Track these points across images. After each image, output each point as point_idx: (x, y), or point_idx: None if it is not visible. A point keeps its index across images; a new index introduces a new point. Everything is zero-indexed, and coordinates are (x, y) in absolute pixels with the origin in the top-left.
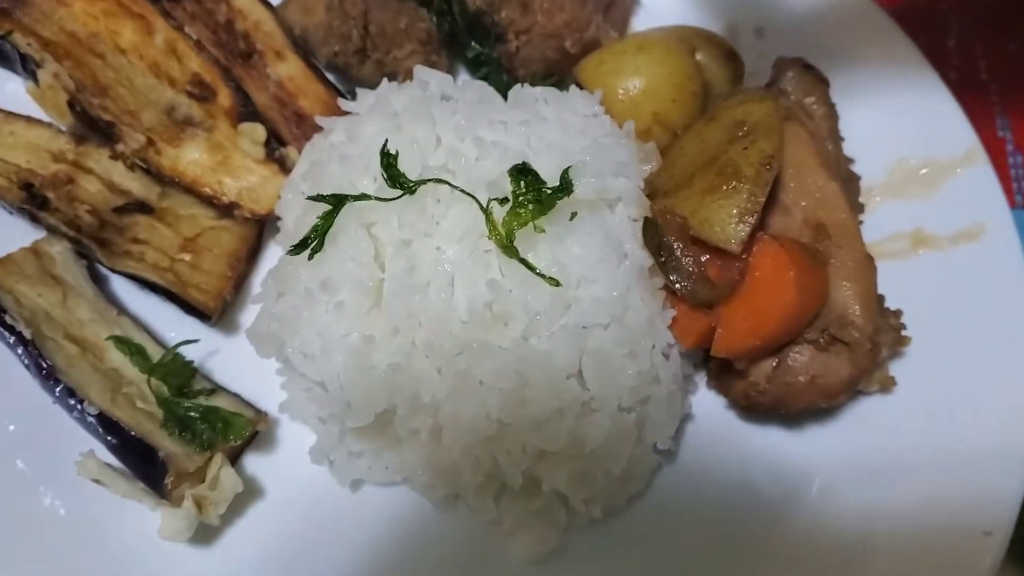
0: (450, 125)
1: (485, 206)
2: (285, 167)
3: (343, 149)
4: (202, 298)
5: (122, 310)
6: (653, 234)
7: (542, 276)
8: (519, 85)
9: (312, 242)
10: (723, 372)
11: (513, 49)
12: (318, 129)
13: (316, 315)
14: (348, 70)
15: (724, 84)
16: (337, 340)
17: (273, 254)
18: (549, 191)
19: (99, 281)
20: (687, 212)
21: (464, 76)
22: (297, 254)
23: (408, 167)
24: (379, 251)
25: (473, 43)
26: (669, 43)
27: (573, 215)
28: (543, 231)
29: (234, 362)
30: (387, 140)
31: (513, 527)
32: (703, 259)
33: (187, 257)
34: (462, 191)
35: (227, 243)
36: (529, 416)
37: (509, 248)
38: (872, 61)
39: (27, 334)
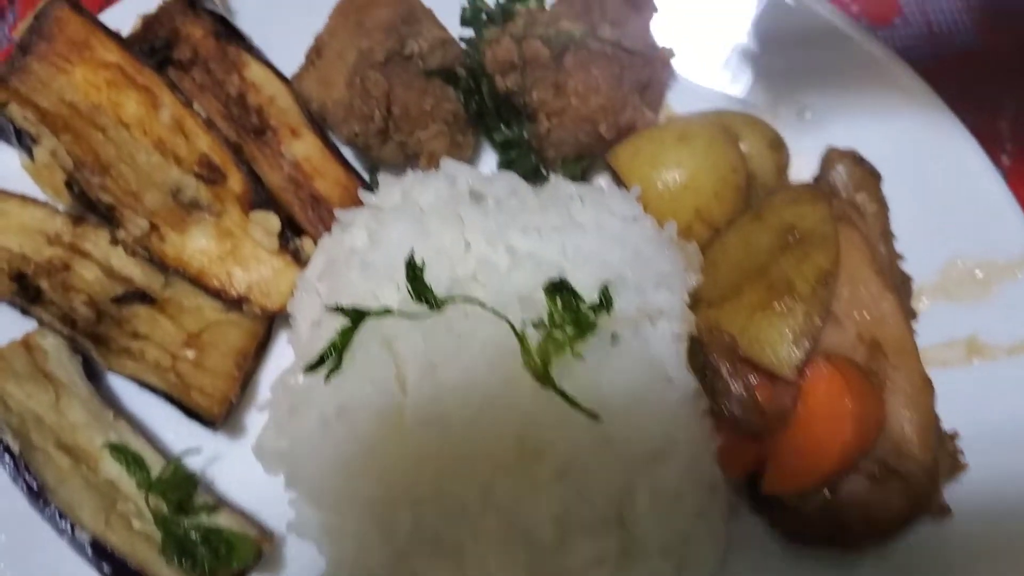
0: (480, 230)
1: (519, 330)
2: (300, 260)
3: (364, 255)
4: (206, 403)
5: (119, 411)
6: (698, 354)
7: (581, 409)
8: (552, 178)
9: (329, 361)
10: (767, 499)
11: (544, 131)
12: (334, 214)
13: (330, 445)
14: (368, 151)
15: (769, 175)
16: (354, 475)
17: (283, 348)
18: (587, 308)
19: (95, 377)
20: (735, 329)
21: (490, 154)
22: (314, 372)
23: (435, 277)
24: (401, 369)
25: (503, 127)
26: (712, 132)
27: (614, 338)
28: (580, 357)
29: (238, 470)
30: (412, 249)
31: None
32: (751, 380)
33: (191, 354)
34: (495, 312)
35: (234, 339)
36: (562, 563)
37: (545, 379)
38: (921, 147)
39: (15, 447)
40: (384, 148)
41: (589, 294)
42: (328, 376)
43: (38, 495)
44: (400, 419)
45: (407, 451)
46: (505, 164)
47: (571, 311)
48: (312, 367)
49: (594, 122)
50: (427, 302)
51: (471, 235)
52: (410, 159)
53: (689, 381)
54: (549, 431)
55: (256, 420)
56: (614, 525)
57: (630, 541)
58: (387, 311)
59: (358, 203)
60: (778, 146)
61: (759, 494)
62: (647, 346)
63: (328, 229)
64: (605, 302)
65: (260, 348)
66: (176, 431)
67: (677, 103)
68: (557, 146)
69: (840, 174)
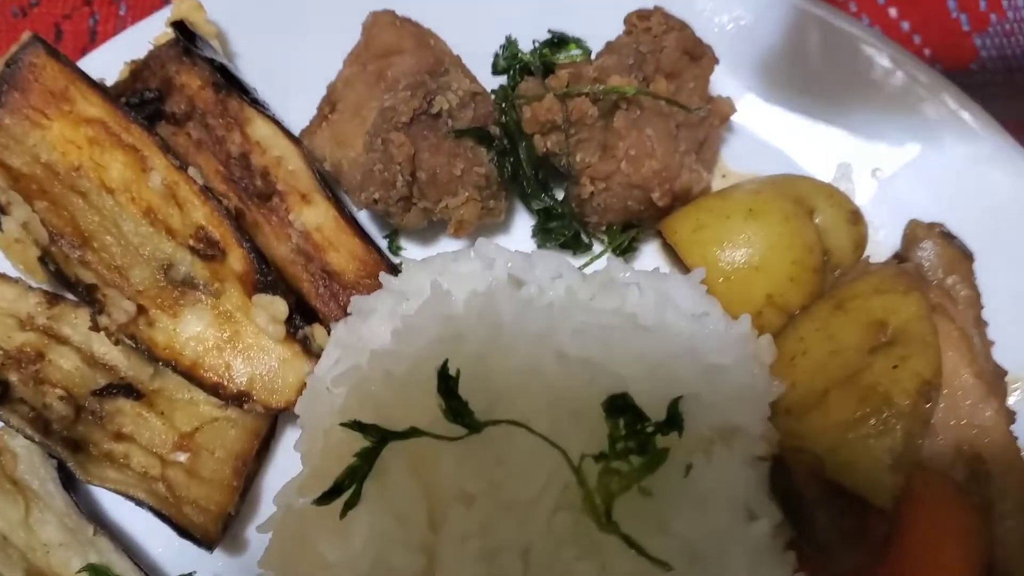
0: (525, 331)
1: (576, 463)
2: (310, 350)
3: (388, 363)
4: (200, 520)
5: (100, 525)
6: (780, 478)
7: (650, 558)
8: (606, 258)
9: (346, 492)
10: None
11: (587, 195)
12: (351, 293)
13: None
14: (388, 217)
15: (846, 252)
16: None
17: (289, 444)
18: (653, 429)
19: (72, 482)
20: (821, 447)
21: (524, 219)
22: (327, 503)
23: (470, 389)
24: (432, 502)
25: (544, 195)
26: (785, 206)
27: (688, 469)
28: (649, 495)
29: None
30: (446, 361)
31: None
32: (840, 509)
33: (183, 458)
34: (548, 441)
35: (233, 441)
36: None
37: (607, 526)
38: (1007, 216)
39: None
40: (407, 216)
41: (654, 411)
42: (344, 511)
43: None
44: (429, 570)
45: None
46: (542, 232)
47: (637, 435)
48: (325, 497)
49: (646, 189)
50: (463, 422)
51: (514, 338)
52: (436, 224)
53: (773, 512)
54: None
55: (257, 534)
56: None
57: None
58: (415, 431)
59: (376, 281)
60: (856, 220)
61: None
62: (726, 475)
63: (342, 308)
64: (675, 423)
65: (262, 448)
66: (167, 545)
67: (732, 160)
68: (602, 213)
69: (927, 253)
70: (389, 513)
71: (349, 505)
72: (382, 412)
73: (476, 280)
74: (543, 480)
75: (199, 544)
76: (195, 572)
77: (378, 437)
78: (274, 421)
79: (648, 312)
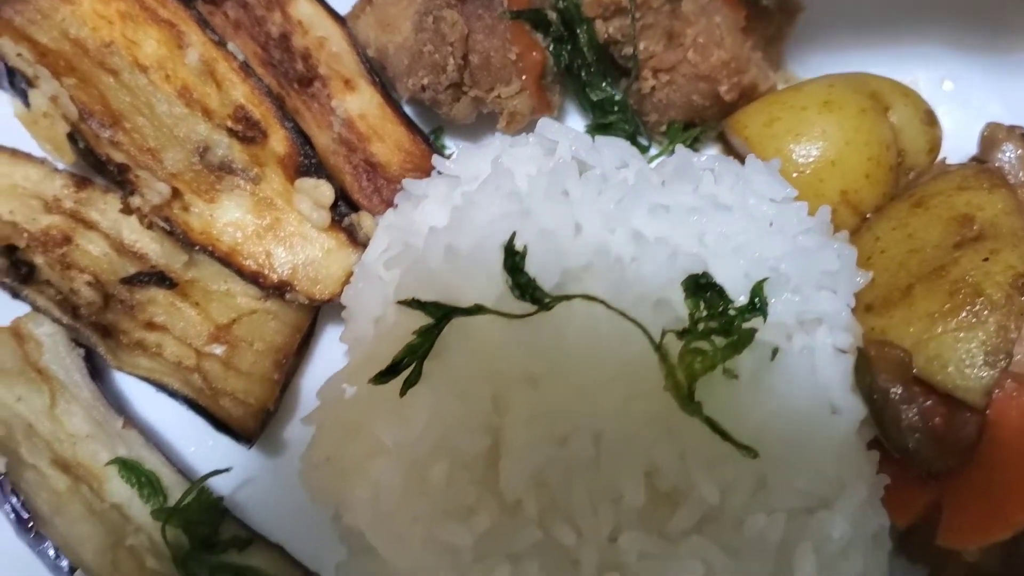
0: (595, 210)
1: (658, 340)
2: (356, 240)
3: (449, 238)
4: (239, 414)
5: (129, 419)
6: (866, 373)
7: (735, 444)
8: (675, 149)
9: (404, 370)
10: (934, 551)
11: (648, 89)
12: (395, 187)
13: (401, 482)
14: (436, 107)
15: (921, 155)
16: (431, 521)
17: (329, 345)
18: (736, 312)
19: (99, 375)
20: (908, 343)
21: (575, 118)
22: (384, 383)
23: (540, 267)
24: (495, 384)
25: (604, 84)
26: (862, 100)
27: (774, 352)
28: (734, 377)
29: (275, 495)
30: (514, 234)
31: None
32: (928, 407)
33: (219, 351)
34: (624, 316)
35: (273, 334)
36: None
37: (689, 406)
38: None
39: (1, 465)
40: (456, 106)
41: (736, 294)
42: (404, 388)
43: (28, 527)
44: (494, 452)
45: (505, 492)
46: (598, 128)
47: (719, 316)
48: (382, 376)
49: (713, 81)
50: (531, 299)
51: (583, 215)
52: (484, 120)
53: (857, 407)
54: (688, 471)
55: (295, 433)
56: None
57: None
58: (479, 308)
59: (423, 174)
60: (931, 121)
61: (921, 542)
62: (812, 363)
63: (385, 202)
64: (759, 305)
65: (302, 344)
66: (200, 443)
67: (797, 66)
68: (662, 109)
69: (1008, 155)
70: (451, 393)
71: (409, 383)
72: (442, 291)
73: (537, 164)
74: (617, 362)
75: (237, 439)
76: (231, 468)
77: (440, 314)
78: (315, 316)
79: (730, 195)
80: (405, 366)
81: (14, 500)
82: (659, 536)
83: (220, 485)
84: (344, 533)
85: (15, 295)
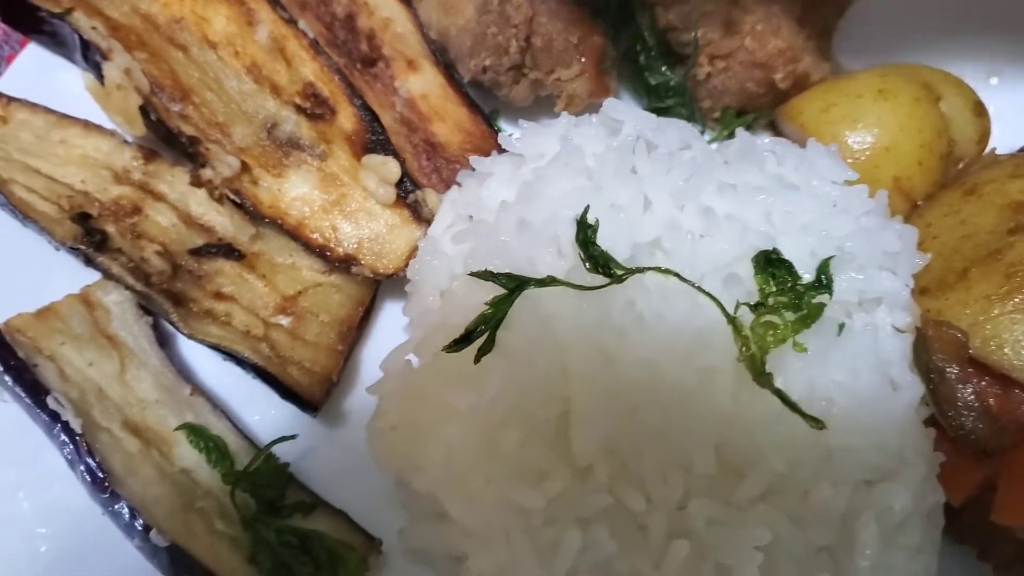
0: (664, 186)
1: (732, 308)
2: (420, 216)
3: (521, 213)
4: (306, 382)
5: (196, 387)
6: (923, 353)
7: (804, 415)
8: (736, 132)
9: (477, 338)
10: (978, 523)
11: (704, 76)
12: (454, 167)
13: (474, 446)
14: (495, 88)
15: (970, 144)
16: (504, 483)
17: (391, 319)
18: (804, 288)
19: (166, 343)
20: (965, 325)
21: (629, 104)
22: (458, 351)
23: (610, 243)
24: (565, 356)
25: (664, 68)
26: (914, 89)
27: (841, 327)
28: (804, 351)
29: (337, 464)
30: (587, 208)
31: None
32: (983, 387)
33: (285, 322)
34: (700, 289)
35: (337, 306)
36: None
37: (762, 376)
38: None
39: (76, 426)
40: (515, 88)
41: (802, 272)
42: (479, 356)
43: (104, 485)
44: (565, 419)
45: (576, 458)
46: (654, 112)
47: (789, 291)
48: (456, 345)
49: (769, 69)
50: (604, 271)
51: (652, 192)
52: (539, 103)
53: (916, 385)
54: (756, 441)
55: (357, 405)
56: (826, 557)
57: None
58: (552, 280)
59: (485, 153)
60: (981, 112)
61: (970, 522)
62: (876, 340)
63: (444, 183)
64: (825, 282)
65: (364, 318)
66: (264, 413)
67: (843, 57)
68: (717, 96)
69: None
70: (523, 362)
71: (483, 352)
72: (513, 264)
73: (603, 143)
74: (687, 335)
75: (302, 407)
76: (297, 435)
77: (513, 285)
78: (375, 291)
79: (792, 175)
80: (478, 335)
81: (91, 460)
82: (726, 504)
83: (284, 453)
84: (406, 500)
85: (88, 262)
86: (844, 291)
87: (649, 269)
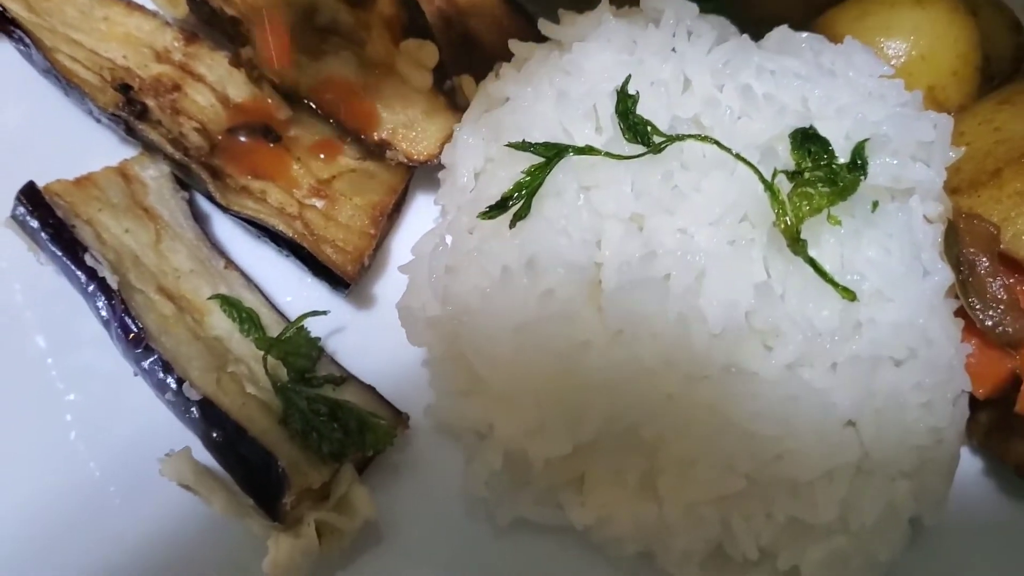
0: (705, 66)
1: (770, 179)
2: (456, 103)
3: (560, 83)
4: (339, 259)
5: (230, 261)
6: (954, 244)
7: (836, 285)
8: (780, 28)
9: (514, 204)
10: (1004, 429)
11: None
12: (489, 62)
13: (512, 303)
14: None
15: (1005, 61)
16: (538, 340)
17: (420, 211)
18: (839, 167)
19: (200, 221)
20: (996, 219)
21: None
22: (493, 217)
23: (649, 116)
24: (601, 223)
25: None
26: (953, 1)
27: (874, 205)
28: (838, 223)
29: (365, 345)
30: (628, 77)
31: None
32: (1013, 282)
33: (319, 204)
34: (739, 157)
35: (371, 192)
36: (787, 474)
37: (797, 243)
38: None
39: (113, 282)
40: None
41: (838, 155)
42: (514, 221)
43: (138, 340)
44: (597, 287)
45: (602, 321)
46: None
47: (825, 167)
48: (494, 209)
49: None
50: (642, 140)
51: (692, 70)
52: (578, 3)
53: (947, 273)
54: (786, 310)
55: (386, 289)
56: (852, 433)
57: (867, 456)
58: (590, 149)
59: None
60: (1019, 30)
61: (993, 424)
62: (910, 222)
63: (479, 79)
64: (859, 162)
65: (395, 208)
66: (296, 293)
67: None
68: (753, 6)
69: None
70: (559, 230)
71: (519, 217)
72: (551, 136)
73: (643, 29)
74: (722, 205)
75: (334, 284)
76: (328, 311)
77: (551, 153)
78: (408, 180)
79: (829, 65)
80: (515, 202)
81: (126, 316)
82: (756, 373)
83: (315, 331)
84: (434, 377)
85: (129, 131)
86: (877, 175)
87: (689, 137)
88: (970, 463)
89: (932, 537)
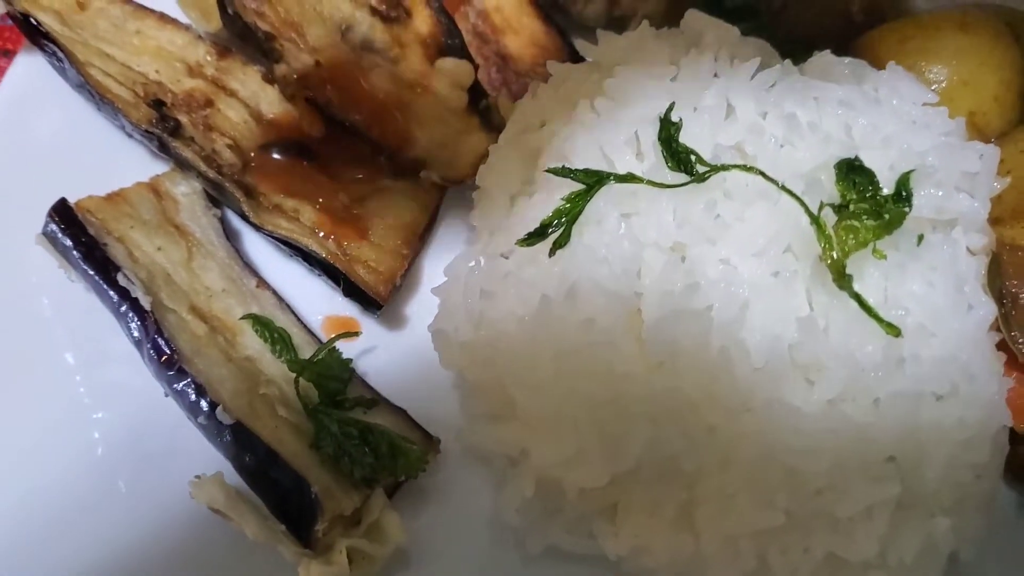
0: (748, 93)
1: (816, 212)
2: (491, 124)
3: (601, 107)
4: (371, 279)
5: (262, 280)
6: (996, 278)
7: (880, 320)
8: (822, 54)
9: (554, 231)
10: None
11: (779, 6)
12: (525, 82)
13: (551, 331)
14: (569, 5)
15: None
16: (578, 368)
17: (451, 230)
18: (884, 199)
19: (231, 239)
20: None
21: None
22: (532, 244)
23: (691, 144)
24: (641, 255)
25: None
26: (997, 25)
27: (920, 239)
28: (883, 257)
29: (396, 367)
30: (672, 104)
31: None
32: None
33: (352, 224)
34: (784, 188)
35: (404, 211)
36: (827, 509)
37: (842, 278)
38: None
39: (146, 303)
40: (590, 5)
41: (883, 186)
42: (554, 249)
43: (171, 362)
44: (638, 316)
45: (643, 353)
46: None
47: (870, 198)
48: (530, 239)
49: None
50: (685, 169)
51: (735, 97)
52: (614, 24)
53: (989, 306)
54: (829, 345)
55: (418, 310)
56: (893, 468)
57: (907, 491)
58: (632, 176)
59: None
60: None
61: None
62: (955, 256)
63: (514, 96)
64: (904, 193)
65: (427, 228)
66: (325, 310)
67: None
68: (791, 27)
69: None
70: (599, 260)
71: (558, 245)
72: (587, 159)
73: (682, 53)
74: (766, 236)
75: (366, 305)
76: (360, 332)
77: (592, 180)
78: (440, 199)
79: (873, 93)
80: (555, 229)
81: (158, 337)
82: (797, 409)
83: (346, 353)
84: (466, 401)
85: (162, 147)
86: (922, 207)
87: (733, 167)
88: (1007, 497)
89: (969, 571)
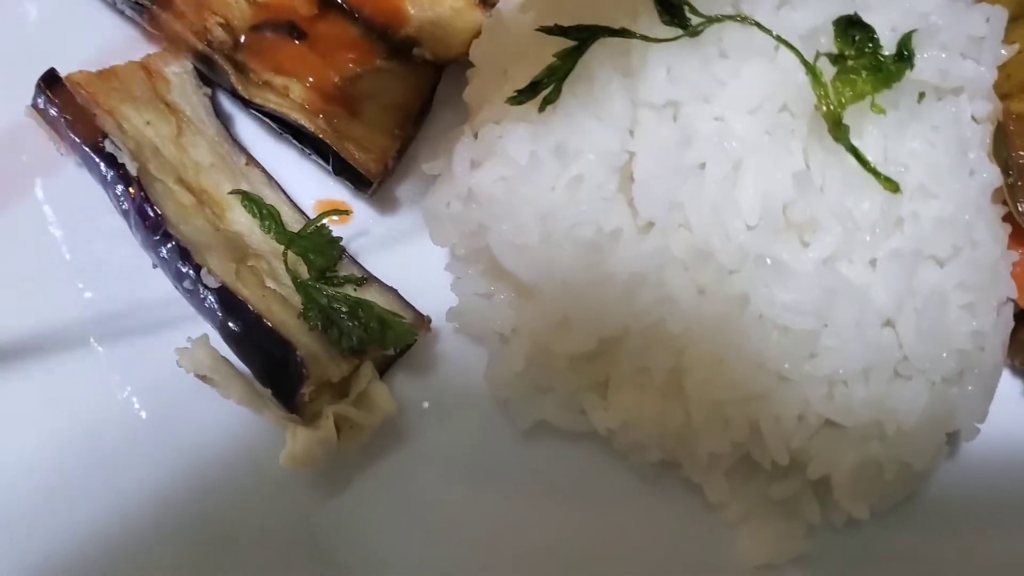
0: None
1: (812, 61)
2: (486, 1)
3: None
4: (362, 157)
5: (251, 158)
6: (1002, 147)
7: (878, 175)
8: None
9: (545, 89)
10: None
11: None
12: None
13: (540, 190)
14: None
15: None
16: (566, 228)
17: (446, 115)
18: (884, 58)
19: (222, 120)
20: None
21: None
22: (521, 103)
23: None
24: (634, 114)
25: None
26: None
27: (921, 96)
28: (882, 112)
29: (387, 248)
30: None
31: (743, 517)
32: None
33: (344, 103)
34: (780, 39)
35: (396, 92)
36: (821, 372)
37: (838, 128)
38: None
39: (132, 169)
40: None
41: (885, 47)
42: (544, 105)
43: (157, 226)
44: (627, 172)
45: (634, 211)
46: None
47: (869, 55)
48: (523, 93)
49: None
50: (680, 24)
51: None
52: None
53: (995, 173)
54: (827, 203)
55: (411, 194)
56: (891, 333)
57: (901, 356)
58: (626, 32)
59: None
60: None
61: None
62: (958, 118)
63: None
64: (906, 53)
65: (422, 111)
66: (318, 196)
67: None
68: None
69: None
70: (591, 115)
71: (548, 101)
72: (584, 20)
73: None
74: (761, 89)
75: (357, 184)
76: (351, 211)
77: (584, 36)
78: (436, 82)
79: None
80: (544, 86)
81: (145, 204)
82: (789, 267)
83: (337, 233)
84: (457, 282)
85: (152, 22)
86: (924, 70)
87: (727, 18)
88: (1011, 384)
89: (968, 453)
